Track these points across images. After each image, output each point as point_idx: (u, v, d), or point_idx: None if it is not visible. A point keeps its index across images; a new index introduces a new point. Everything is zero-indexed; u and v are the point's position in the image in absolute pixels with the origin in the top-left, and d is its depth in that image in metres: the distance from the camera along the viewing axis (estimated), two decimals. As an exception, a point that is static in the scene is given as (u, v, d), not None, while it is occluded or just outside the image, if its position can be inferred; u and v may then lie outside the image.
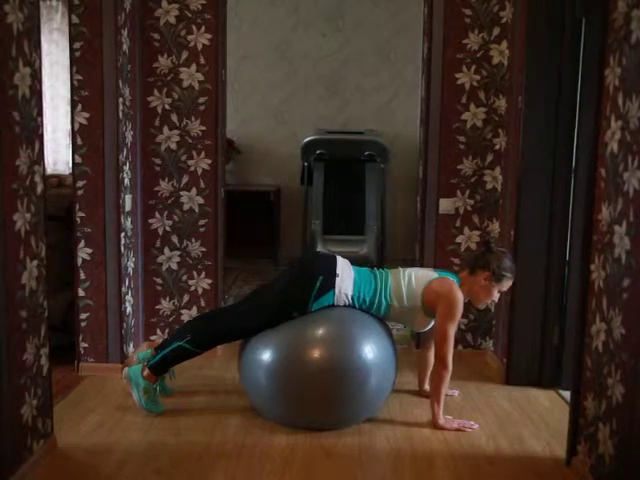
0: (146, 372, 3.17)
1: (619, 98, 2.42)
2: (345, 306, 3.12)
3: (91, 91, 3.52)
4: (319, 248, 5.71)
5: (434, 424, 3.13)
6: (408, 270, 3.24)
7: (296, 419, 3.06)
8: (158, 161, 4.01)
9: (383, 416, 3.24)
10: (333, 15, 6.70)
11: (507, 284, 3.21)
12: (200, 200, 4.03)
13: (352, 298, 3.11)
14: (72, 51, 3.50)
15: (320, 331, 3.03)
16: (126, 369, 3.23)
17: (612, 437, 2.42)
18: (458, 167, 4.00)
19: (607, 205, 2.50)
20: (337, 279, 3.08)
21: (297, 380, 2.97)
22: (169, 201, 4.03)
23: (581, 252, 2.72)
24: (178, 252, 4.07)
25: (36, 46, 2.58)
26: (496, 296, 3.23)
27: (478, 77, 3.94)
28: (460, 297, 3.12)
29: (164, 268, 4.09)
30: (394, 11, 6.64)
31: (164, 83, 3.95)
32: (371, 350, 3.01)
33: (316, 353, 2.97)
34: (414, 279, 3.17)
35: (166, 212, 4.04)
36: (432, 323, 3.21)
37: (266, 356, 3.01)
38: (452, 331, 3.10)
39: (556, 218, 3.53)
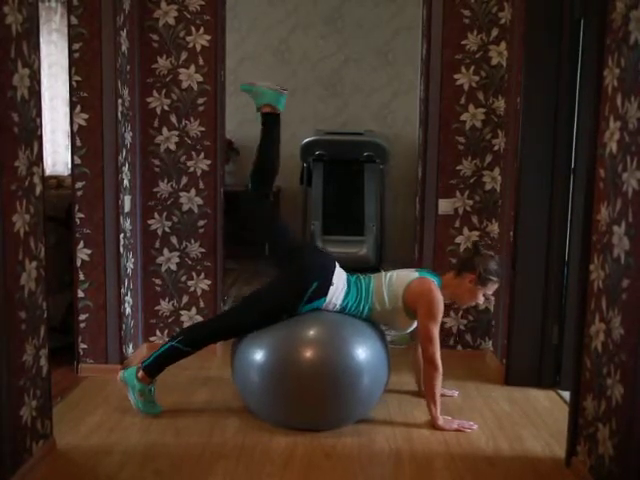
0: (140, 374, 3.16)
1: (618, 99, 2.42)
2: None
3: (90, 92, 3.52)
4: (318, 249, 5.71)
5: (433, 425, 3.13)
6: (390, 272, 3.25)
7: (289, 419, 3.06)
8: (157, 162, 4.01)
9: (382, 417, 3.24)
10: (332, 16, 6.71)
11: (492, 288, 3.22)
12: (199, 201, 4.03)
13: (340, 306, 3.13)
14: (71, 52, 3.50)
15: (312, 332, 3.03)
16: (121, 372, 3.23)
17: (612, 437, 2.42)
18: (457, 168, 4.00)
19: (606, 205, 2.50)
20: (332, 288, 3.09)
21: (289, 380, 2.97)
22: (168, 202, 4.03)
23: (580, 252, 2.72)
24: (177, 253, 4.07)
25: (35, 47, 2.58)
26: (481, 299, 3.23)
27: (477, 78, 3.94)
28: (439, 297, 3.12)
29: (163, 269, 4.09)
30: (393, 12, 6.65)
31: (163, 84, 3.95)
32: (363, 350, 3.01)
33: (308, 353, 2.96)
34: (395, 280, 3.18)
35: (165, 213, 4.04)
36: (414, 324, 3.21)
37: (258, 357, 3.01)
38: (435, 331, 3.10)
39: (555, 218, 3.53)
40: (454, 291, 3.22)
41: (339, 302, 3.12)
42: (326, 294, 3.08)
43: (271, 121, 3.35)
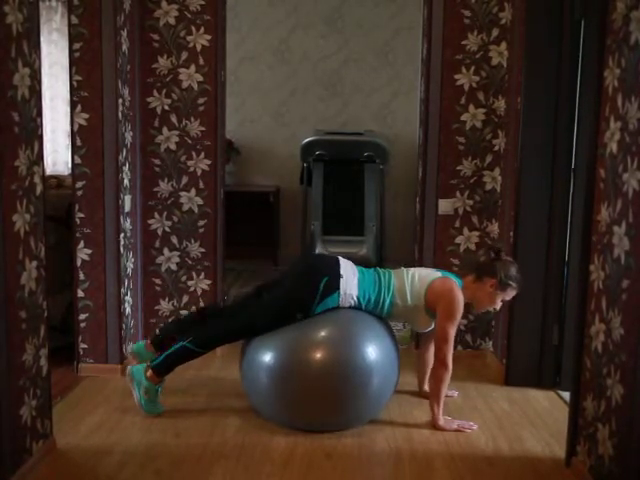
0: (149, 372, 3.16)
1: (618, 99, 2.42)
2: (350, 307, 3.12)
3: (90, 92, 3.52)
4: (318, 249, 5.71)
5: (434, 425, 3.13)
6: (412, 270, 3.25)
7: (298, 421, 3.06)
8: (157, 162, 4.01)
9: (383, 417, 3.24)
10: (332, 16, 6.70)
11: (511, 293, 3.22)
12: (199, 201, 4.03)
13: (357, 298, 3.11)
14: (71, 52, 3.50)
15: (322, 333, 3.02)
16: (129, 367, 3.23)
17: (611, 438, 2.42)
18: (457, 168, 4.00)
19: (606, 206, 2.50)
20: (342, 280, 3.08)
21: (299, 382, 2.97)
22: (168, 202, 4.03)
23: (580, 253, 2.73)
24: (177, 253, 4.07)
25: (35, 47, 2.58)
26: (499, 304, 3.24)
27: (477, 78, 3.94)
28: (460, 298, 3.12)
29: (163, 269, 4.08)
30: (393, 12, 6.65)
31: (163, 84, 3.95)
32: (373, 352, 3.01)
33: (318, 354, 2.96)
34: (417, 278, 3.18)
35: (165, 213, 4.04)
36: (434, 324, 3.22)
37: (268, 357, 3.01)
38: (452, 332, 3.10)
39: (555, 219, 3.53)
40: (474, 294, 3.22)
41: (355, 292, 3.10)
42: (338, 287, 3.07)
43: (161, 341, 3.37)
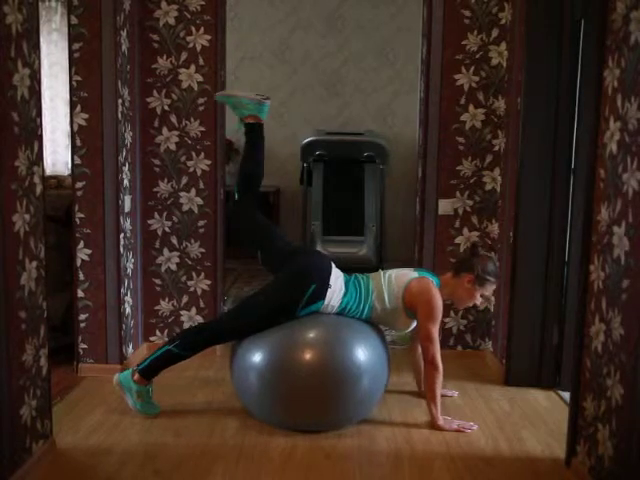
0: (136, 376, 3.15)
1: (618, 99, 2.42)
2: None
3: (90, 92, 3.52)
4: (318, 249, 5.71)
5: (433, 425, 3.13)
6: (388, 272, 3.25)
7: (288, 421, 3.06)
8: (157, 162, 4.01)
9: (382, 417, 3.24)
10: (332, 16, 6.71)
11: (490, 288, 3.23)
12: (199, 201, 4.03)
13: (338, 309, 3.12)
14: (71, 52, 3.50)
15: (311, 333, 3.02)
16: (116, 376, 3.21)
17: (611, 438, 2.42)
18: (457, 168, 4.00)
19: (606, 206, 2.50)
20: (329, 290, 3.08)
21: (289, 382, 2.97)
22: (168, 202, 4.03)
23: (580, 253, 2.73)
24: (177, 253, 4.07)
25: (35, 47, 2.58)
26: (478, 300, 3.24)
27: (477, 78, 3.94)
28: (438, 297, 3.12)
29: (163, 269, 4.08)
30: (394, 12, 6.66)
31: (163, 84, 3.95)
32: (363, 351, 3.01)
33: (307, 355, 2.96)
34: (394, 280, 3.18)
35: (165, 213, 4.04)
36: (414, 324, 3.22)
37: (258, 359, 3.00)
38: (435, 331, 3.10)
39: (555, 219, 3.53)
40: (452, 291, 3.23)
41: (337, 304, 3.11)
42: (324, 297, 3.07)
43: (256, 131, 3.31)
